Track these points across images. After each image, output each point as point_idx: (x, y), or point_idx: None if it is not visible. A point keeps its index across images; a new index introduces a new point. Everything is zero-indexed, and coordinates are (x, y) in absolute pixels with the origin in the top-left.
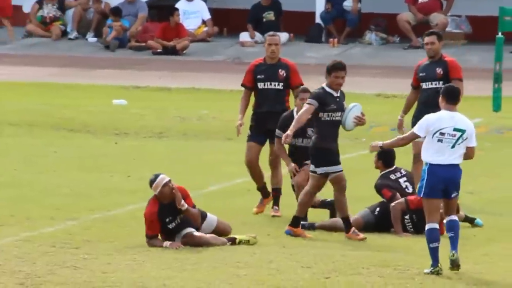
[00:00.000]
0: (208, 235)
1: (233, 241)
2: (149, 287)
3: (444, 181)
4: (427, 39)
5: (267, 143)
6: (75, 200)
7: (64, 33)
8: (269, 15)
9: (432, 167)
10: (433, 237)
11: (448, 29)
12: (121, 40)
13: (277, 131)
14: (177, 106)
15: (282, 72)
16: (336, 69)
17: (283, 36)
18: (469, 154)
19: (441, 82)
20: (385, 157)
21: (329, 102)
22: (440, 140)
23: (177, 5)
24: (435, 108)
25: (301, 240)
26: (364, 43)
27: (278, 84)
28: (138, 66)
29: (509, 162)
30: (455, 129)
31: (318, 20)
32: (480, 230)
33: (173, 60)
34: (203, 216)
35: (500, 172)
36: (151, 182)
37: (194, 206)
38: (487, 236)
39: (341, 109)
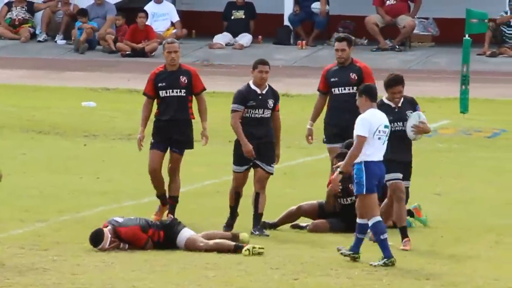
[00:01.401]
0: (211, 242)
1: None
2: None
3: (378, 178)
4: (337, 45)
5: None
6: (44, 202)
7: (33, 36)
8: (238, 13)
9: (368, 164)
10: (381, 229)
11: (415, 31)
12: (90, 42)
13: (235, 105)
14: None
15: (184, 79)
16: (391, 86)
17: (247, 38)
18: None
19: (354, 88)
20: None
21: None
22: (379, 138)
23: (146, 8)
24: (347, 113)
25: (269, 242)
26: (332, 45)
27: (181, 91)
28: (107, 68)
29: (476, 163)
30: (385, 126)
31: (286, 22)
32: (447, 231)
33: (142, 62)
34: (175, 233)
35: (467, 173)
36: (93, 246)
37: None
38: (454, 237)
39: (401, 119)
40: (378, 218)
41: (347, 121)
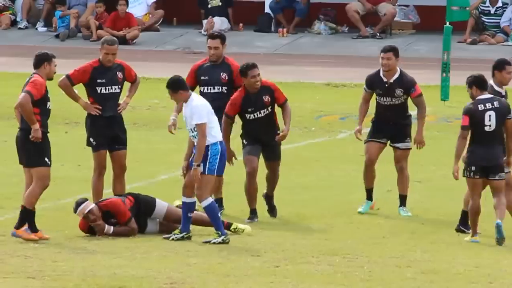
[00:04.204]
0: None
1: (227, 227)
2: (99, 276)
3: (226, 156)
4: (210, 42)
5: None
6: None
7: (14, 23)
8: (215, 1)
9: (222, 144)
10: (217, 208)
11: (396, 18)
12: (70, 29)
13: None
14: None
15: (120, 75)
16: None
17: (223, 22)
18: None
19: (224, 88)
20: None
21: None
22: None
23: None
24: (216, 112)
25: (250, 229)
26: (313, 32)
27: (118, 88)
28: (88, 55)
29: None
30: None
31: (267, 9)
32: (428, 218)
33: (123, 49)
34: (151, 206)
35: (448, 161)
36: (74, 210)
37: (132, 209)
38: (435, 224)
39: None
40: (211, 198)
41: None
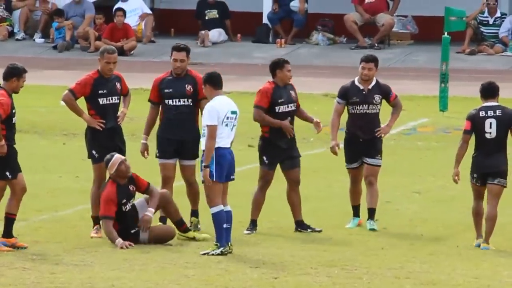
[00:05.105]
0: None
1: (185, 231)
2: None
3: (229, 164)
4: (176, 54)
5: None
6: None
7: (11, 34)
8: (211, 13)
9: (220, 150)
10: (223, 218)
11: (394, 29)
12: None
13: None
14: None
15: (118, 85)
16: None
17: (220, 34)
18: None
19: (190, 100)
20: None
21: None
22: (227, 125)
23: (115, 7)
24: (181, 126)
25: (248, 240)
26: (311, 43)
27: (118, 98)
28: (85, 66)
29: None
30: (232, 112)
31: (265, 20)
32: (427, 229)
33: (120, 60)
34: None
35: (447, 172)
36: (107, 161)
37: (148, 184)
38: (434, 235)
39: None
40: (221, 207)
41: (182, 136)
